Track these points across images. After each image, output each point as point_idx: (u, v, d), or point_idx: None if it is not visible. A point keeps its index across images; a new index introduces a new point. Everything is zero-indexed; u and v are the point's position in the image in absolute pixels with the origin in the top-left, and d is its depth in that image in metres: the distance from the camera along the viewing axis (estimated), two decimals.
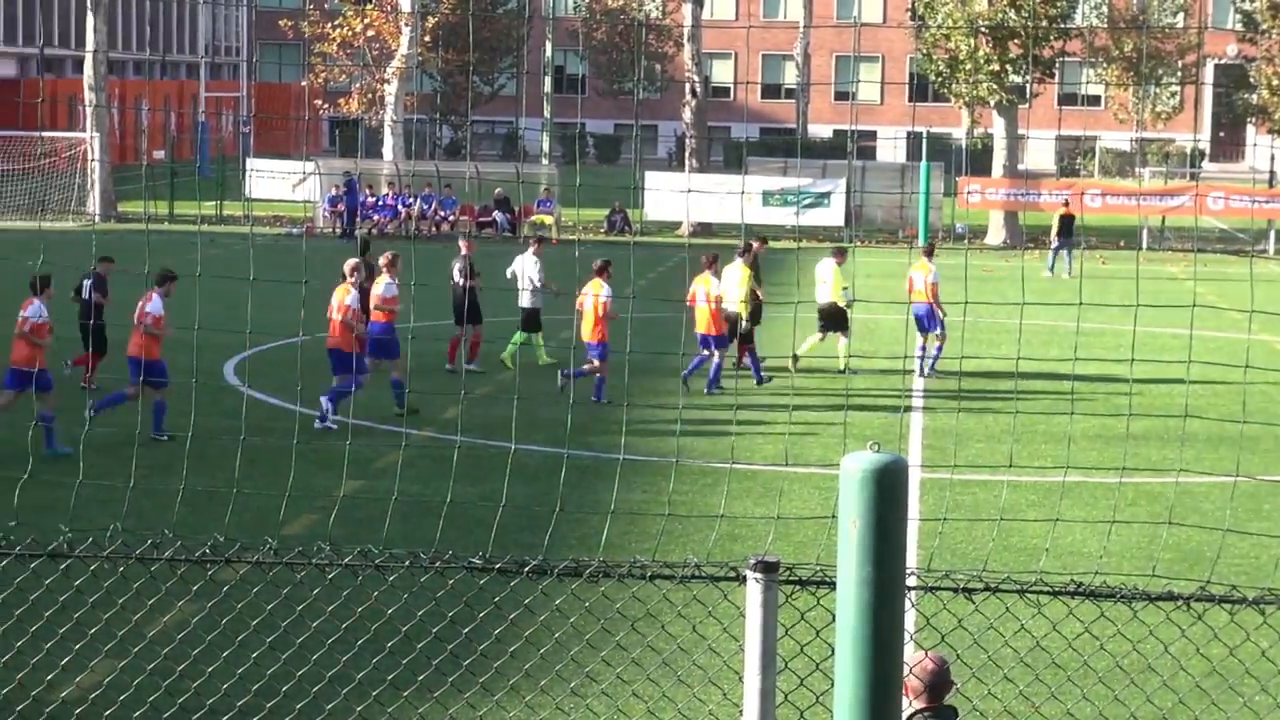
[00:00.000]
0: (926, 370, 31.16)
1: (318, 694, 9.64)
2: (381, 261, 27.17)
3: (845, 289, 31.75)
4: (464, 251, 31.39)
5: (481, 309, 30.74)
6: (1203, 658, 10.92)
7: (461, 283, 30.55)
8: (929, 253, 32.29)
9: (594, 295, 27.96)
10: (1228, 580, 13.88)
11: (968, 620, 8.47)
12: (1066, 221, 54.05)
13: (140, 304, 24.10)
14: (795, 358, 30.71)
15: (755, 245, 32.18)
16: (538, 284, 30.86)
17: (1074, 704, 12.67)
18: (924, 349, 31.31)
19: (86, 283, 27.65)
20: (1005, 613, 8.61)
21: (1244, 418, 26.15)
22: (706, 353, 29.30)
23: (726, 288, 29.72)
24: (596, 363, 27.94)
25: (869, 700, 6.14)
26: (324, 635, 9.88)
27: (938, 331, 31.26)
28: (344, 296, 25.51)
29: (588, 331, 28.02)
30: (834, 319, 31.45)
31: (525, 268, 31.19)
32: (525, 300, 30.96)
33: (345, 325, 25.35)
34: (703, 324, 29.18)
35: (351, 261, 26.37)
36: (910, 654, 7.85)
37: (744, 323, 30.29)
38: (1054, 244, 53.75)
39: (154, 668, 9.52)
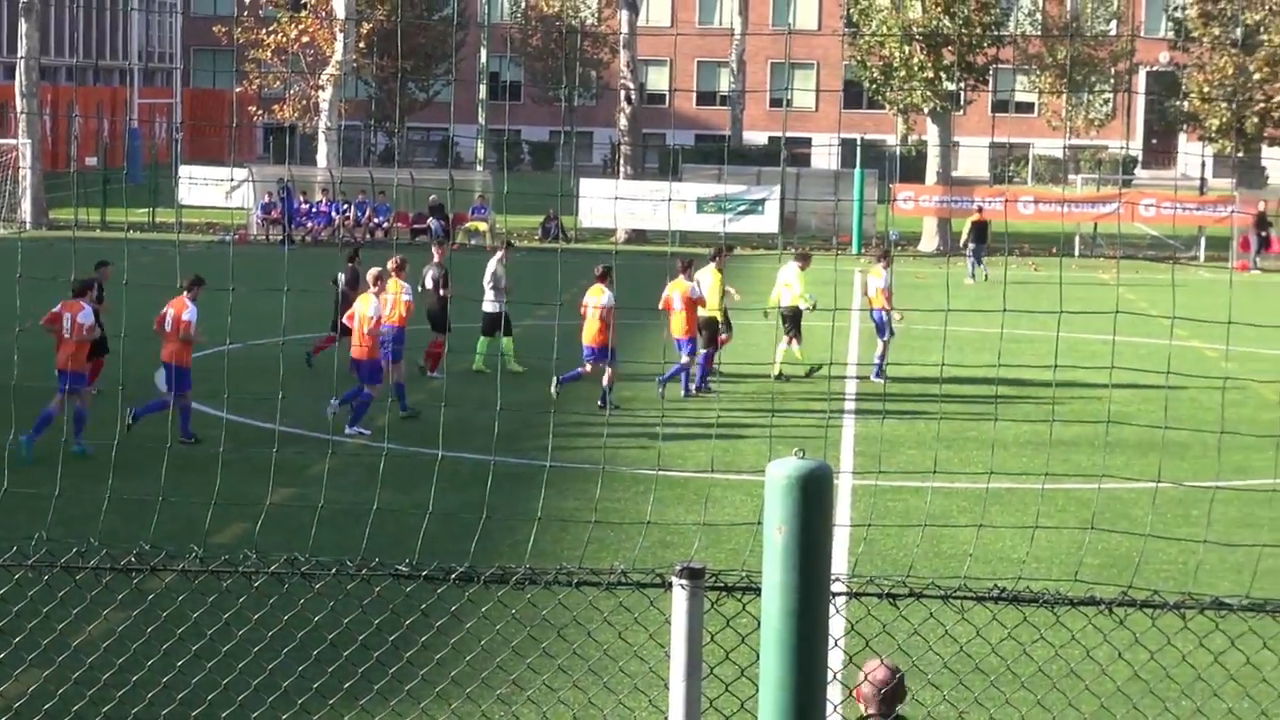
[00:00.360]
0: (873, 375, 31.28)
1: (243, 702, 9.60)
2: (390, 266, 27.34)
3: (805, 296, 31.84)
4: (436, 259, 31.49)
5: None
6: (1125, 662, 10.98)
7: (436, 291, 30.60)
8: (883, 259, 32.39)
9: (596, 300, 28.47)
10: (1153, 585, 13.97)
11: (893, 626, 8.51)
12: (980, 228, 54.69)
13: (174, 311, 24.43)
14: (781, 374, 31.10)
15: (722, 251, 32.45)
16: (489, 286, 31.01)
17: (998, 709, 12.74)
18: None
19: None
20: (930, 618, 8.65)
21: (1170, 424, 26.31)
22: (687, 359, 29.48)
23: (703, 293, 29.87)
24: (589, 367, 28.24)
25: (793, 705, 6.17)
26: (250, 643, 9.84)
27: (885, 337, 31.39)
28: (367, 307, 25.83)
29: (589, 336, 28.32)
30: (794, 323, 31.66)
31: (490, 271, 31.37)
32: (487, 305, 31.04)
33: (371, 334, 25.71)
34: (678, 329, 29.27)
35: (374, 270, 26.81)
36: (867, 662, 7.88)
37: (723, 329, 30.61)
38: (969, 251, 54.21)
39: (79, 677, 9.47)
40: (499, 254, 31.83)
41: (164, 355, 24.57)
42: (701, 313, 29.70)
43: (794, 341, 31.51)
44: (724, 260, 31.85)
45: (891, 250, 36.08)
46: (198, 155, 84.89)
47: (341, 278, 31.03)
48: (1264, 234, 61.25)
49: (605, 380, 27.97)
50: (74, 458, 22.66)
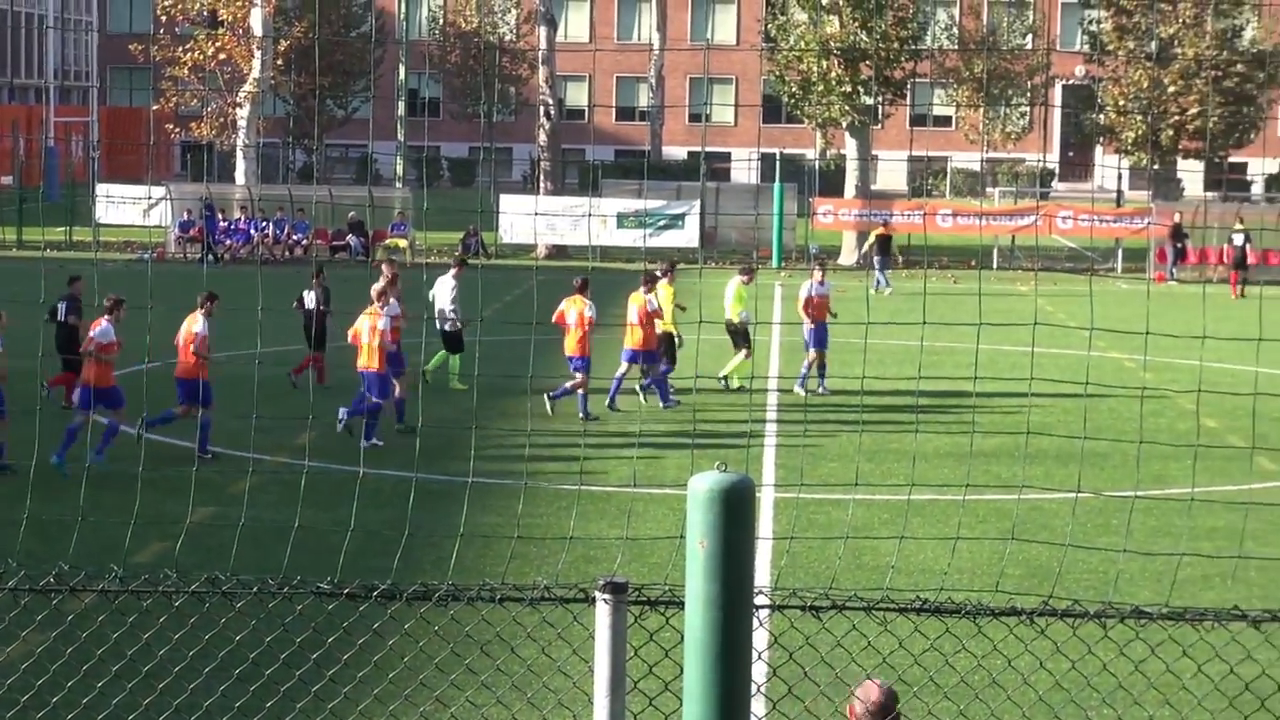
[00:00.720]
0: (820, 389, 31.33)
1: None
2: (383, 281, 27.46)
3: (742, 311, 31.91)
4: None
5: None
6: (1047, 671, 11.04)
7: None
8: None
9: (577, 310, 28.65)
10: (1073, 595, 14.05)
11: (816, 638, 8.52)
12: (884, 241, 55.55)
13: (187, 327, 25.03)
14: (725, 383, 31.31)
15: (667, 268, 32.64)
16: (449, 313, 31.02)
17: (920, 719, 12.78)
18: (822, 366, 31.57)
19: (61, 305, 28.87)
20: (853, 630, 8.68)
21: (1089, 434, 26.47)
22: (625, 372, 29.77)
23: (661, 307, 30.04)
24: (579, 377, 28.35)
25: (717, 719, 6.17)
26: (171, 664, 9.77)
27: (816, 348, 31.47)
28: (375, 320, 25.99)
29: (570, 346, 28.63)
30: (742, 335, 31.85)
31: (441, 293, 31.41)
32: (448, 324, 31.12)
33: (380, 348, 25.94)
34: (634, 340, 29.33)
35: (377, 286, 27.05)
36: (860, 682, 7.88)
37: (680, 341, 30.79)
38: (875, 264, 54.88)
39: None
40: (451, 271, 31.98)
41: (177, 370, 25.18)
42: (658, 326, 29.90)
43: (746, 354, 31.80)
44: (674, 276, 32.07)
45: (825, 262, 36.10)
46: (115, 174, 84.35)
47: (309, 296, 31.03)
48: (1180, 245, 61.73)
49: (570, 385, 28.58)
50: None
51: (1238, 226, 60.03)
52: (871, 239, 56.50)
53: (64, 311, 28.74)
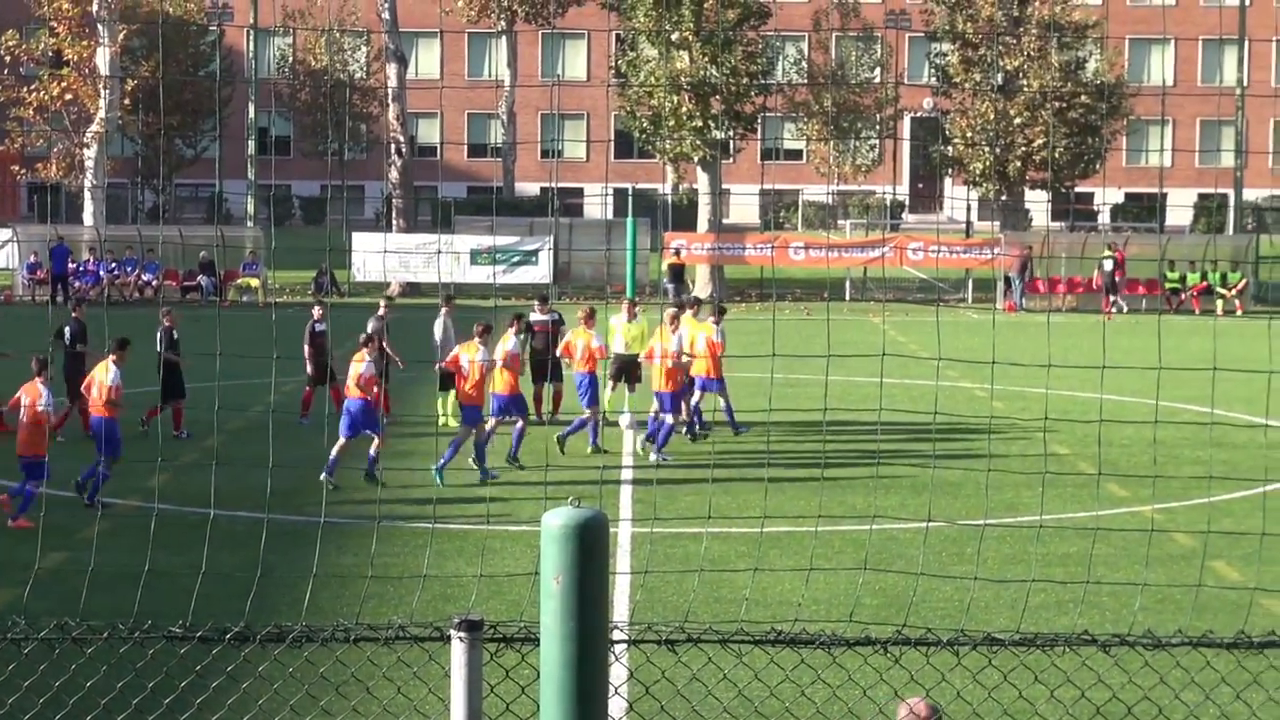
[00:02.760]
0: (740, 431, 30.80)
1: None
2: (361, 339, 27.37)
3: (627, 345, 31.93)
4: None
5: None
6: (901, 700, 11.11)
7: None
8: (718, 315, 31.44)
9: (584, 343, 29.30)
10: (929, 623, 14.15)
11: (672, 672, 8.54)
12: (676, 271, 57.77)
13: (98, 376, 25.27)
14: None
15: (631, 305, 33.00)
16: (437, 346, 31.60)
17: None
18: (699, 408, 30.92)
19: (67, 330, 30.95)
20: (709, 663, 8.70)
21: (940, 463, 26.71)
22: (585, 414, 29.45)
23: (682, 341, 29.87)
24: (589, 411, 28.96)
25: None
26: (21, 711, 9.65)
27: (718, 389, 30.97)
28: (362, 367, 26.31)
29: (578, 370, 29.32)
30: (627, 370, 31.93)
31: (440, 330, 31.91)
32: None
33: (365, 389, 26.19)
34: (659, 382, 29.13)
35: (363, 335, 27.22)
36: (909, 700, 7.89)
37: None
38: (670, 292, 56.89)
39: None
40: (443, 309, 32.51)
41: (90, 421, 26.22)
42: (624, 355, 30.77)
43: (619, 387, 31.99)
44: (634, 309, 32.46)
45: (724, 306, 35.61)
46: None
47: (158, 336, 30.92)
48: (1026, 275, 62.69)
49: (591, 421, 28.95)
50: None
51: (1106, 252, 61.60)
52: (664, 268, 58.89)
53: (69, 338, 31.14)
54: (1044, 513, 24.02)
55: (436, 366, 31.25)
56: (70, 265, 61.21)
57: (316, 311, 32.57)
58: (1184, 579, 19.95)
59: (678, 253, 60.67)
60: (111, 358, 25.62)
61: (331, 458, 25.52)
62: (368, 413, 26.28)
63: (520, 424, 27.92)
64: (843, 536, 22.83)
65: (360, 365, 26.43)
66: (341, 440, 26.06)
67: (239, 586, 18.24)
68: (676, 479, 26.86)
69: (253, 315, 32.61)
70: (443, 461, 26.30)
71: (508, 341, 28.02)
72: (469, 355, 27.57)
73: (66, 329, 31.23)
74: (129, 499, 24.79)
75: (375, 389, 26.40)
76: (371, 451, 26.38)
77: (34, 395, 24.28)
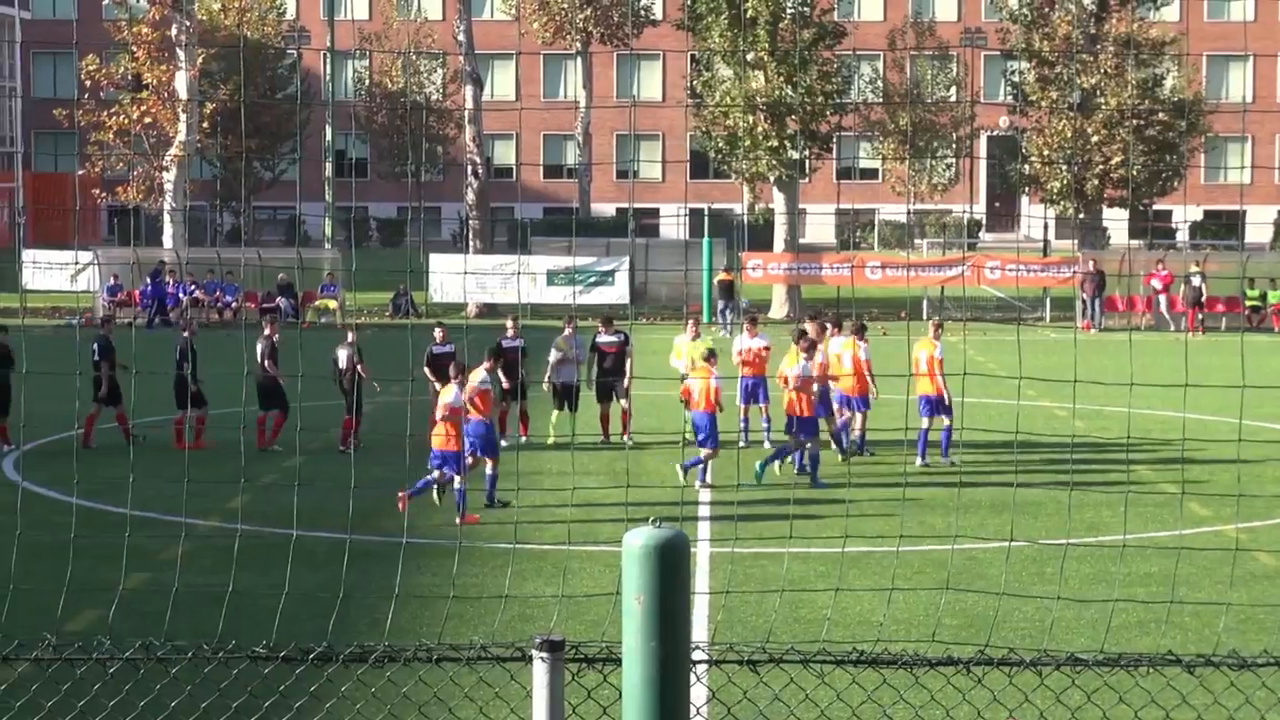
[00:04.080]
0: (866, 451, 30.74)
1: None
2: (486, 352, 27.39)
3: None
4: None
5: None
6: None
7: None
8: (859, 331, 31.46)
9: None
10: (1009, 643, 14.08)
11: (754, 692, 8.52)
12: (726, 286, 57.87)
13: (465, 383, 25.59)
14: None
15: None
16: (554, 362, 32.17)
17: None
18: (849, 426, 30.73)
19: (94, 346, 31.77)
20: (791, 683, 8.67)
21: (1022, 483, 26.57)
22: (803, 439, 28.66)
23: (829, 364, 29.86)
24: (710, 448, 27.95)
25: None
26: None
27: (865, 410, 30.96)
28: (448, 395, 25.70)
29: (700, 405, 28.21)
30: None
31: (556, 352, 32.25)
32: (560, 378, 32.08)
33: (453, 422, 25.46)
34: (925, 389, 29.23)
35: (488, 349, 27.53)
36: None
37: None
38: (719, 308, 57.04)
39: None
40: (567, 330, 32.61)
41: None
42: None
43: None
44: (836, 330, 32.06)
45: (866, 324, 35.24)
46: (41, 239, 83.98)
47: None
48: (1100, 294, 62.48)
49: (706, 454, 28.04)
50: None
51: (1194, 269, 61.43)
52: (715, 286, 59.51)
53: (96, 351, 31.58)
54: (1126, 532, 23.86)
55: (545, 385, 31.49)
56: (171, 288, 61.77)
57: (438, 333, 32.38)
58: (1268, 599, 19.78)
59: (727, 269, 60.92)
60: (485, 364, 26.27)
61: (458, 489, 25.21)
62: (486, 433, 25.97)
63: (491, 467, 26.19)
64: (923, 556, 22.74)
65: (473, 379, 25.99)
66: (468, 460, 25.70)
67: (321, 607, 18.31)
68: (756, 498, 26.81)
69: (333, 336, 32.96)
70: (413, 490, 25.12)
71: (476, 377, 26.07)
72: (445, 399, 25.75)
73: (95, 344, 32.08)
74: (210, 519, 24.90)
75: (482, 404, 25.90)
76: (489, 471, 26.06)
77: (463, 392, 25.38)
